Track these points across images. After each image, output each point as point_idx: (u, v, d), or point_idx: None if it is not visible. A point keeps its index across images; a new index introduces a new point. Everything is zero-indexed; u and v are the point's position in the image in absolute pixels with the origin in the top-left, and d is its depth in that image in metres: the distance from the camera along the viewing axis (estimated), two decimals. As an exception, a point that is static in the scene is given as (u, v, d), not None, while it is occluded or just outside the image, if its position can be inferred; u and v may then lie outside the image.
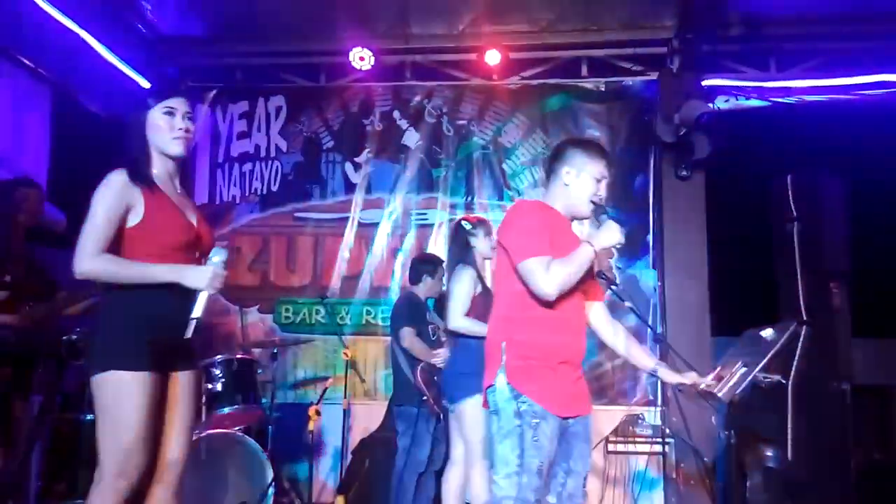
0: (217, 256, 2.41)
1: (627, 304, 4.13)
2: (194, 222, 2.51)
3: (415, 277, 4.57)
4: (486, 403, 2.63)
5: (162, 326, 2.35)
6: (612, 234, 2.55)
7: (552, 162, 2.76)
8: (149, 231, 2.38)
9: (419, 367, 4.24)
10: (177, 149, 2.48)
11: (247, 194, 6.09)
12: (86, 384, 3.84)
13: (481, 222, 4.12)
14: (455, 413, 3.87)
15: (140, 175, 2.41)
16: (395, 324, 4.42)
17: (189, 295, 2.36)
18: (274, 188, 6.07)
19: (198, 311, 2.36)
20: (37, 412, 3.61)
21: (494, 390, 2.54)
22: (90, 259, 2.31)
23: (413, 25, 5.68)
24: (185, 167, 2.59)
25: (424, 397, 4.21)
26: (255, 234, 6.03)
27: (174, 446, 2.44)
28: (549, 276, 2.49)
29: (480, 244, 4.02)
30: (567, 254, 2.54)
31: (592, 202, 2.65)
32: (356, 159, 6.01)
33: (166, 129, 2.45)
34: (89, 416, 3.89)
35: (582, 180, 2.66)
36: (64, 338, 3.60)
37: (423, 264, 4.63)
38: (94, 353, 2.37)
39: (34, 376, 3.60)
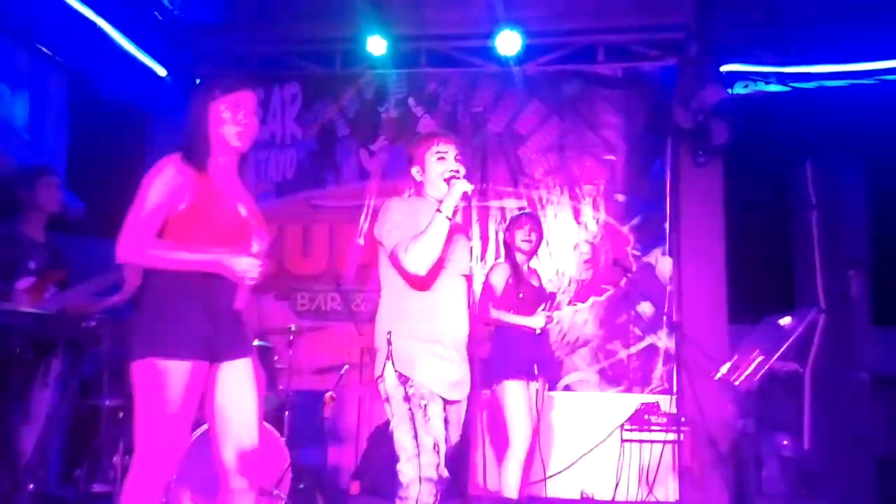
0: (256, 247, 2.45)
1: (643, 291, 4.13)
2: (243, 213, 2.53)
3: None
4: (379, 393, 2.76)
5: (206, 314, 2.35)
6: (454, 192, 2.67)
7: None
8: (194, 217, 2.39)
9: None
10: (238, 142, 2.51)
11: (262, 182, 6.11)
12: (104, 370, 3.92)
13: (520, 215, 4.26)
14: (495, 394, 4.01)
15: (192, 161, 2.42)
16: None
17: (232, 283, 2.40)
18: (289, 175, 6.08)
19: (240, 302, 2.39)
20: (57, 398, 3.65)
21: (384, 379, 2.68)
22: (135, 244, 2.33)
23: (428, 11, 5.65)
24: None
25: None
26: (270, 222, 5.95)
27: (242, 435, 2.42)
28: (408, 254, 2.62)
29: (515, 237, 4.14)
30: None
31: (446, 181, 2.76)
32: (371, 146, 6.00)
33: (230, 122, 2.48)
34: (108, 402, 3.94)
35: (427, 169, 2.84)
36: (83, 324, 3.64)
37: None
38: (135, 339, 2.36)
39: (54, 362, 3.64)
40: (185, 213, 2.38)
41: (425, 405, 2.60)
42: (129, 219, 2.34)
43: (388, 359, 2.66)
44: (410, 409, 2.59)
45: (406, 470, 2.57)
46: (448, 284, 2.75)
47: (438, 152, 2.82)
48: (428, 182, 2.85)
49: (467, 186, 2.68)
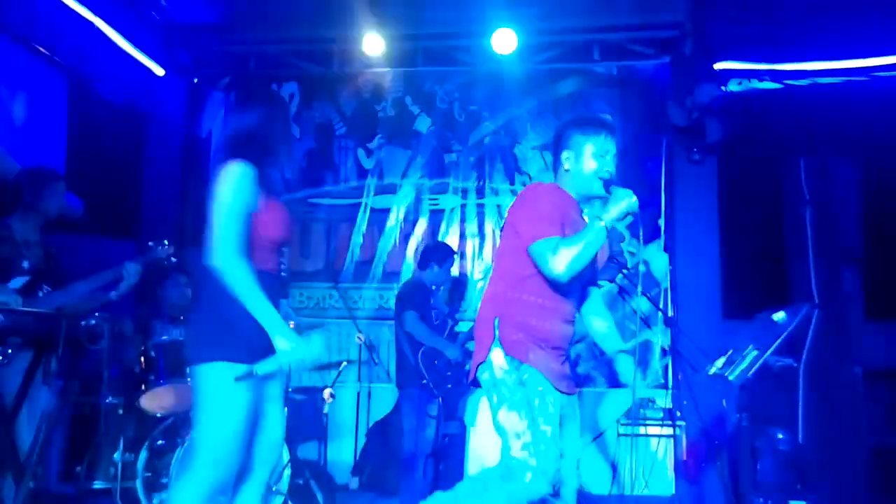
0: (318, 337, 2.42)
1: (639, 287, 4.14)
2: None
3: (423, 264, 4.67)
4: (476, 381, 2.57)
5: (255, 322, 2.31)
6: (620, 203, 2.48)
7: (554, 147, 2.71)
8: (261, 226, 2.42)
9: (421, 351, 4.32)
10: None
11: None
12: (103, 368, 3.94)
13: None
14: None
15: (264, 173, 2.51)
16: (400, 307, 4.52)
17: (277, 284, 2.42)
18: (287, 174, 6.09)
19: (263, 367, 2.27)
20: (56, 395, 3.68)
21: (491, 365, 2.47)
22: (235, 258, 2.29)
23: (424, 10, 5.68)
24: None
25: (424, 380, 4.29)
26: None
27: (271, 443, 2.46)
28: (557, 257, 2.43)
29: None
30: None
31: (601, 178, 2.56)
32: (368, 145, 6.04)
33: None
34: (108, 400, 3.97)
35: (583, 161, 2.59)
36: (83, 323, 3.66)
37: (433, 252, 4.72)
38: (202, 341, 2.35)
39: (53, 360, 3.66)
40: (255, 219, 2.41)
41: (542, 392, 2.40)
42: (224, 230, 2.30)
43: (496, 344, 2.46)
44: (527, 394, 2.39)
45: (522, 457, 2.34)
46: (574, 285, 2.59)
47: (603, 149, 2.58)
48: (577, 173, 2.60)
49: (636, 206, 2.48)
